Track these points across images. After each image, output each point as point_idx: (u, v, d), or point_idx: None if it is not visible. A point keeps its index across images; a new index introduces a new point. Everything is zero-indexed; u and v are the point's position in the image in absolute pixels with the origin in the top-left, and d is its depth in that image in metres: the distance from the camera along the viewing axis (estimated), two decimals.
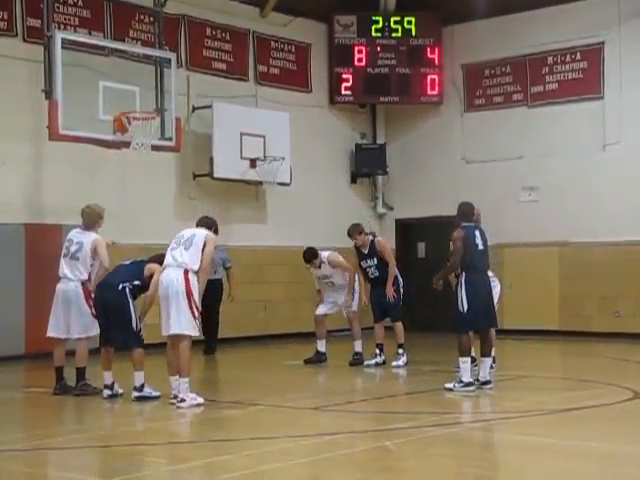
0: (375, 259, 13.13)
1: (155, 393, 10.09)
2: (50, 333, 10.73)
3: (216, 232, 10.26)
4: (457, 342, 10.52)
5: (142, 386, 10.08)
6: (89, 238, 10.70)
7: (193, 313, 9.63)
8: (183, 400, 9.51)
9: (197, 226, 10.26)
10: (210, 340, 15.46)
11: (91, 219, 10.88)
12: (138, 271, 10.29)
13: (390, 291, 13.02)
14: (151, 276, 10.08)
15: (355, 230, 13.26)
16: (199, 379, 11.38)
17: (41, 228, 14.95)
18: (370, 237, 13.33)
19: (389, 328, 13.47)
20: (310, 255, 13.49)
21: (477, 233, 10.76)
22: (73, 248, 10.75)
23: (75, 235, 10.85)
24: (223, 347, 16.32)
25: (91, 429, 8.94)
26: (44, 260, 14.09)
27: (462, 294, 10.43)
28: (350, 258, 13.52)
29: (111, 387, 10.33)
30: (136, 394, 10.07)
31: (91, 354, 10.75)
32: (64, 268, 10.75)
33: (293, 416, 9.37)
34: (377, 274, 13.17)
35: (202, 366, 14.15)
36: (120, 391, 10.38)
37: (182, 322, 9.60)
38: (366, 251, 13.20)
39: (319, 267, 13.48)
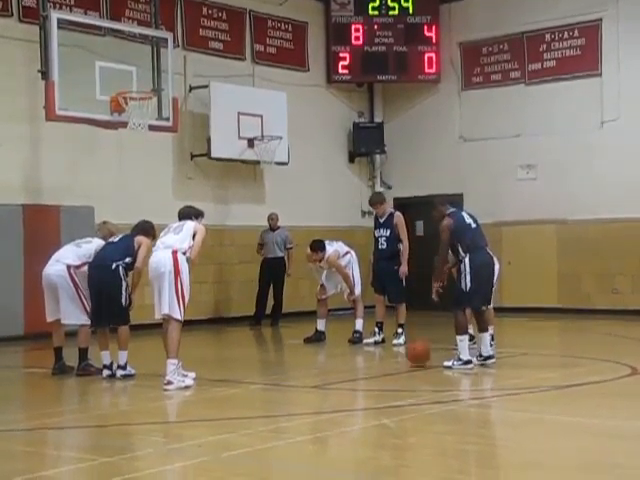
0: (388, 231, 13.23)
1: (132, 371, 10.26)
2: (48, 318, 10.83)
3: (202, 217, 10.27)
4: (453, 319, 10.55)
5: (126, 364, 10.22)
6: (100, 242, 10.86)
7: (177, 295, 9.50)
8: (170, 382, 9.43)
9: (180, 217, 10.19)
10: (274, 313, 17.04)
11: (102, 233, 11.15)
12: (128, 247, 10.39)
13: (404, 270, 13.13)
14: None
15: (378, 199, 13.75)
16: (198, 358, 11.38)
17: (39, 209, 14.93)
18: (390, 209, 13.66)
19: (391, 307, 13.53)
20: (318, 246, 13.38)
21: (464, 214, 10.92)
22: (82, 240, 10.99)
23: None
24: (223, 326, 16.34)
25: (90, 409, 8.97)
26: (42, 241, 14.10)
27: (466, 273, 10.46)
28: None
29: (110, 367, 10.34)
30: (121, 372, 10.20)
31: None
32: (59, 252, 10.88)
33: (292, 394, 9.39)
34: (385, 246, 13.25)
35: (204, 344, 14.15)
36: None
37: (169, 303, 9.52)
38: (382, 220, 13.34)
39: (320, 262, 13.46)
